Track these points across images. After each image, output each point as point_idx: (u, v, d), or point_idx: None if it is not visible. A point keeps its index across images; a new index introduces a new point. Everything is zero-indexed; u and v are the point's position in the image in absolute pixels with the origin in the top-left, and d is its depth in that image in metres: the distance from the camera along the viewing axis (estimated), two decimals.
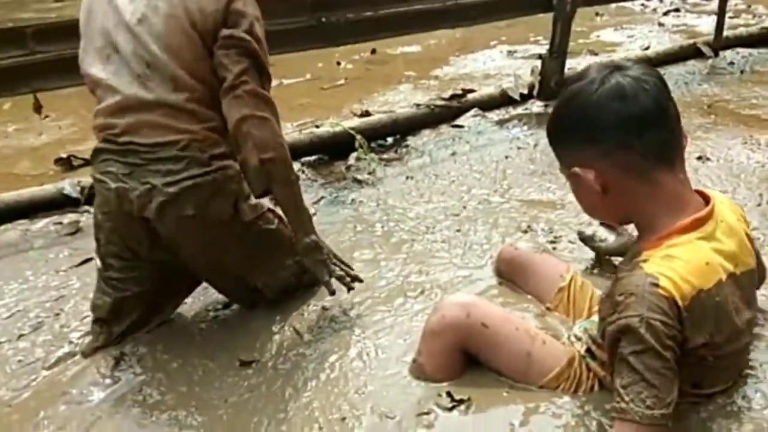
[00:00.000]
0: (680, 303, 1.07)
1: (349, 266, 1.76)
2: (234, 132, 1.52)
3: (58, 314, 1.80)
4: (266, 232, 1.68)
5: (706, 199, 1.19)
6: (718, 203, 1.20)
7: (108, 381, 1.55)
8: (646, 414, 1.05)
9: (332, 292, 1.68)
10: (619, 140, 1.12)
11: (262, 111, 1.53)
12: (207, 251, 1.63)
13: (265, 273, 1.73)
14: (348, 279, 1.72)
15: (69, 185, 2.45)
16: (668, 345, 1.07)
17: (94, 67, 1.58)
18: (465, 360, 1.42)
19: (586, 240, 1.84)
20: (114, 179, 1.55)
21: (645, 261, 1.12)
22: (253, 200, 1.65)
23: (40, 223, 2.32)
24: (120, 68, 1.55)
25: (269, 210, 1.71)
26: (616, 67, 1.14)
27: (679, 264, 1.09)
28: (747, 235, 1.25)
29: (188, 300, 1.81)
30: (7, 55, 2.26)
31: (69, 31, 2.28)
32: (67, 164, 2.91)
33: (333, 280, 1.68)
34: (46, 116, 3.38)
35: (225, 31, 1.51)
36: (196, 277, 1.75)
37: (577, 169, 1.16)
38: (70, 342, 1.69)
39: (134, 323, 1.68)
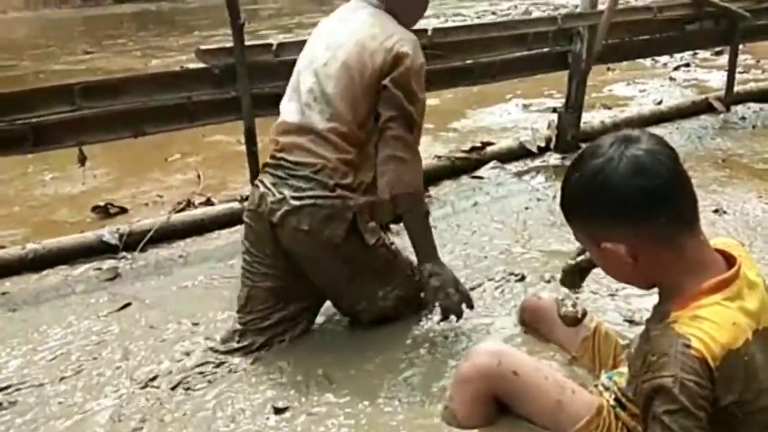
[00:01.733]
0: (712, 363, 1.10)
1: (466, 294, 1.88)
2: (378, 167, 1.80)
3: (96, 358, 1.86)
4: (379, 258, 1.87)
5: (728, 257, 1.23)
6: (745, 263, 1.23)
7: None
8: None
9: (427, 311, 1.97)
10: (645, 213, 1.16)
11: (401, 153, 1.78)
12: (315, 266, 1.84)
13: (366, 298, 1.89)
14: (456, 310, 1.85)
15: (108, 232, 2.56)
16: (701, 405, 1.09)
17: (285, 97, 1.95)
18: (496, 407, 1.46)
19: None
20: (263, 186, 1.83)
21: (675, 322, 1.15)
22: (372, 230, 1.84)
23: (81, 269, 2.42)
24: (295, 98, 1.89)
25: (383, 243, 1.88)
26: (627, 140, 1.18)
27: (707, 325, 1.12)
28: (765, 284, 1.28)
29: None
30: (56, 110, 2.39)
31: (113, 88, 2.46)
32: (104, 212, 3.02)
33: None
34: (83, 166, 3.53)
35: (385, 82, 1.78)
36: (312, 280, 1.88)
37: (608, 245, 1.19)
38: (102, 392, 1.72)
39: (266, 328, 1.87)
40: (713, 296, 1.16)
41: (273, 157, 1.88)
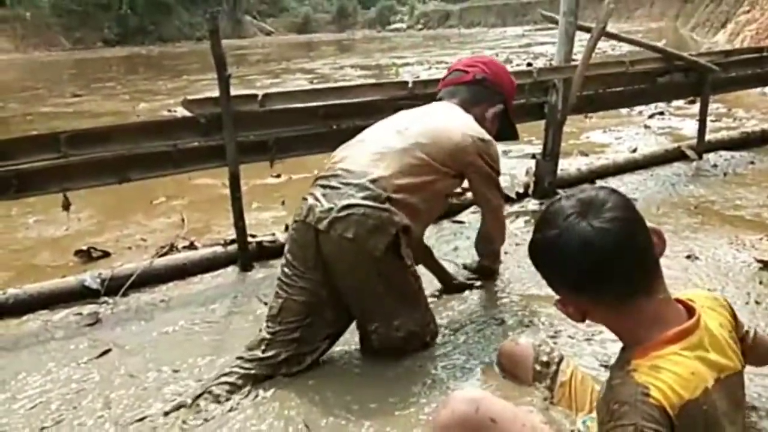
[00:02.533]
0: (670, 412, 1.13)
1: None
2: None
3: (76, 407, 1.84)
4: (407, 285, 1.98)
5: (689, 308, 1.27)
6: (702, 312, 1.27)
7: None
8: None
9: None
10: (593, 289, 1.22)
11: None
12: (353, 274, 1.91)
13: (384, 321, 1.94)
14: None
15: (90, 277, 2.56)
16: None
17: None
18: None
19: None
20: (312, 198, 1.93)
21: (635, 370, 1.18)
22: (408, 255, 1.93)
23: (61, 314, 2.41)
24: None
25: (414, 273, 2.00)
26: (585, 211, 1.20)
27: (666, 374, 1.16)
28: (730, 335, 1.31)
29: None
30: (42, 157, 2.42)
31: (100, 137, 2.50)
32: (87, 256, 3.02)
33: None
34: (65, 211, 3.54)
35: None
36: (341, 299, 1.95)
37: (557, 304, 1.28)
38: None
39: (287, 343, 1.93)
40: (672, 346, 1.20)
41: (329, 169, 2.00)
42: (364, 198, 1.87)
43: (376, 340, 1.97)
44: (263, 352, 1.91)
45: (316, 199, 1.91)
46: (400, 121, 2.15)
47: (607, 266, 1.19)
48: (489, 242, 2.43)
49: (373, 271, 1.89)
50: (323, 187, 1.94)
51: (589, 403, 1.64)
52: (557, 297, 1.29)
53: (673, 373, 1.16)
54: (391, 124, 2.14)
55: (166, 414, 1.77)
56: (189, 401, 1.81)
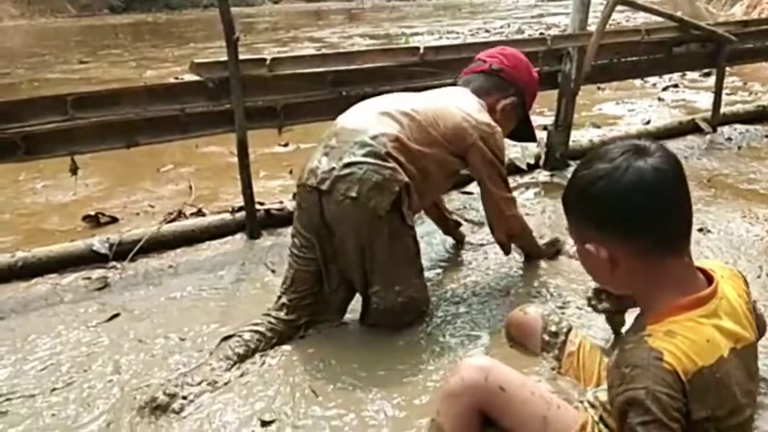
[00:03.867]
0: (683, 377, 1.12)
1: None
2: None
3: (86, 370, 1.85)
4: (407, 248, 1.95)
5: (709, 277, 1.26)
6: (721, 281, 1.26)
7: None
8: None
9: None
10: (635, 230, 1.18)
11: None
12: (357, 235, 1.87)
13: (384, 284, 1.92)
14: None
15: (98, 242, 2.56)
16: (674, 416, 1.11)
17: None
18: (482, 421, 1.48)
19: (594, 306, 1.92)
20: (314, 161, 1.91)
21: (649, 335, 1.17)
22: (410, 216, 1.93)
23: (70, 278, 2.41)
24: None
25: (414, 236, 1.98)
26: (639, 151, 1.18)
27: (680, 340, 1.15)
28: (747, 306, 1.31)
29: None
30: (48, 120, 2.40)
31: (107, 99, 2.48)
32: (95, 221, 3.02)
33: None
34: (73, 175, 3.53)
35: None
36: (339, 266, 1.95)
37: (590, 247, 1.23)
38: (95, 405, 1.71)
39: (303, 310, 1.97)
40: (689, 313, 1.19)
41: (330, 130, 1.98)
42: (365, 155, 1.84)
43: (378, 306, 1.95)
44: (285, 315, 1.96)
45: (318, 160, 1.90)
46: (405, 95, 2.14)
47: (659, 205, 1.16)
48: (494, 232, 2.29)
49: (376, 232, 1.86)
50: (324, 147, 1.92)
51: (597, 374, 1.64)
52: (587, 245, 1.23)
53: (688, 339, 1.15)
54: (395, 95, 2.13)
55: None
56: (217, 341, 1.89)
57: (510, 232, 2.26)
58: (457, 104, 2.09)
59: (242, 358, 1.84)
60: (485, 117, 2.10)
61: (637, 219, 1.18)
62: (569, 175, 1.33)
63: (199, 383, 1.74)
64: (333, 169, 1.85)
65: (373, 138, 1.87)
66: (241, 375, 1.79)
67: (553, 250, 2.44)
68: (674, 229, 1.20)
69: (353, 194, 1.82)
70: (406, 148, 1.91)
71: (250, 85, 2.60)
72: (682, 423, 1.13)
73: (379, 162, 1.84)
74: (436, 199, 2.47)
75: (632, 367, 1.16)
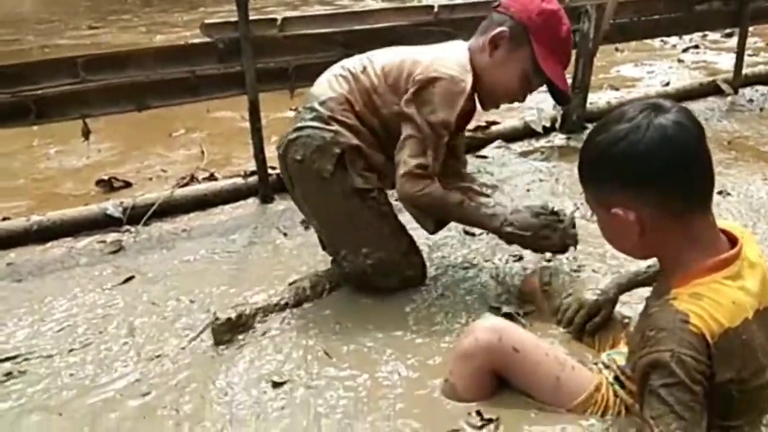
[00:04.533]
0: (709, 340, 1.11)
1: (560, 219, 1.84)
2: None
3: (102, 332, 1.87)
4: (368, 209, 1.90)
5: (731, 238, 1.24)
6: (746, 243, 1.24)
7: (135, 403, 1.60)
8: None
9: (563, 251, 1.89)
10: (664, 186, 1.15)
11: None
12: (308, 198, 1.95)
13: (350, 247, 1.93)
14: (567, 243, 1.85)
15: (112, 206, 2.56)
16: (698, 379, 1.11)
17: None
18: (495, 381, 1.48)
19: None
20: (290, 126, 1.94)
21: (674, 299, 1.16)
22: (365, 177, 1.89)
23: (85, 242, 2.43)
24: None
25: (375, 198, 1.91)
26: (656, 108, 1.15)
27: (707, 302, 1.13)
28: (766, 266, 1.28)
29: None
30: (60, 82, 2.39)
31: (117, 61, 2.45)
32: (108, 186, 3.02)
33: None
34: (87, 140, 3.53)
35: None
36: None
37: (618, 211, 1.18)
38: (112, 366, 1.73)
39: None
40: (714, 275, 1.17)
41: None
42: (311, 119, 1.87)
43: (348, 269, 1.95)
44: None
45: (290, 126, 1.94)
46: (383, 51, 1.96)
47: (686, 159, 1.13)
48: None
49: (327, 193, 1.88)
50: (297, 112, 1.97)
51: (613, 337, 1.63)
52: (614, 210, 1.19)
53: (714, 301, 1.14)
54: (372, 53, 1.96)
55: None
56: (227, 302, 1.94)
57: (414, 205, 1.88)
58: (420, 55, 1.86)
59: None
60: (441, 64, 1.79)
61: (665, 175, 1.14)
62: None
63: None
64: (289, 133, 1.91)
65: (322, 103, 1.88)
66: (250, 339, 1.79)
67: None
68: (702, 185, 1.18)
69: (299, 157, 1.88)
70: (353, 109, 1.88)
71: (261, 46, 2.56)
72: (704, 386, 1.12)
73: (321, 125, 1.86)
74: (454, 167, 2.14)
75: (658, 330, 1.14)
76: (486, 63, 1.84)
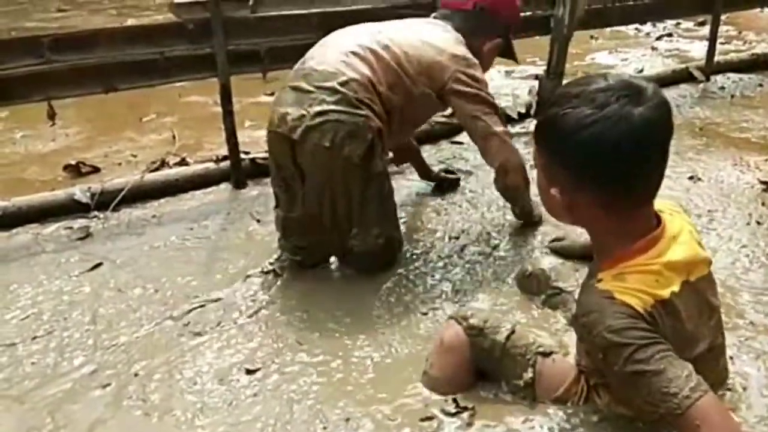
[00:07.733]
0: (639, 310, 1.12)
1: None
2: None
3: (66, 319, 1.84)
4: (383, 191, 1.94)
5: (657, 217, 1.23)
6: (668, 219, 1.24)
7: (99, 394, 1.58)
8: (691, 388, 1.07)
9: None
10: (615, 181, 1.13)
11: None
12: (331, 184, 1.86)
13: (364, 228, 1.91)
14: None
15: (79, 191, 2.50)
16: (649, 336, 1.10)
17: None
18: (476, 374, 1.47)
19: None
20: (283, 105, 1.85)
21: (599, 281, 1.17)
22: (383, 159, 1.92)
23: (51, 228, 2.37)
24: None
25: (388, 177, 1.97)
26: (631, 96, 1.09)
27: (630, 281, 1.14)
28: (692, 234, 1.27)
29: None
30: (24, 63, 2.30)
31: (83, 41, 2.37)
32: (76, 171, 2.94)
33: None
34: (53, 123, 3.43)
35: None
36: (310, 210, 1.93)
37: (554, 191, 1.18)
38: (74, 354, 1.70)
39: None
40: (640, 256, 1.17)
41: (299, 69, 1.90)
42: (336, 102, 1.79)
43: (356, 247, 1.94)
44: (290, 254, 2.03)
45: (289, 105, 1.83)
46: (376, 26, 2.02)
47: (645, 159, 1.12)
48: (505, 186, 2.11)
49: (352, 178, 1.85)
50: (293, 89, 1.85)
51: None
52: (554, 188, 1.19)
53: (637, 280, 1.14)
54: (364, 27, 2.02)
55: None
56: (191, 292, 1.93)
57: (506, 166, 2.03)
58: (431, 37, 1.99)
59: None
60: (462, 50, 2.00)
61: (614, 177, 1.13)
62: None
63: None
64: (303, 116, 1.79)
65: (343, 84, 1.80)
66: (221, 329, 1.77)
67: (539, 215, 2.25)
68: (647, 186, 1.17)
69: (326, 143, 1.78)
70: (376, 91, 1.85)
71: (233, 27, 2.50)
72: (659, 341, 1.11)
73: (351, 110, 1.79)
74: (407, 142, 2.44)
75: (588, 314, 1.15)
76: (479, 56, 2.09)
